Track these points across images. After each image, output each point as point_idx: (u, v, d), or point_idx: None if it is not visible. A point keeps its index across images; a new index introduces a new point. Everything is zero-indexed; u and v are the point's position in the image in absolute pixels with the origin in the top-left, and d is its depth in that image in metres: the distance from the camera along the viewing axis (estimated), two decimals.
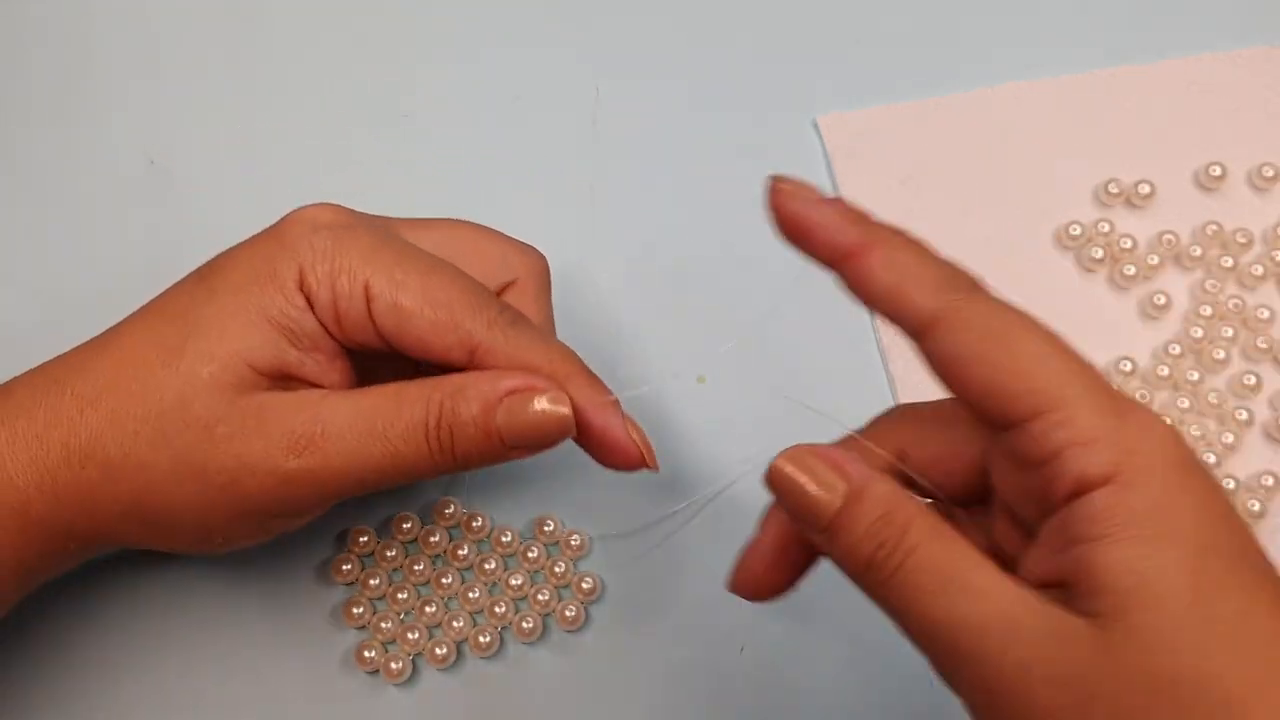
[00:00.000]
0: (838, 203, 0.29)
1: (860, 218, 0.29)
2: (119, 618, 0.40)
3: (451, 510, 0.41)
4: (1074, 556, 0.25)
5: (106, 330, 0.34)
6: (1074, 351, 0.27)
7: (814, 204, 0.29)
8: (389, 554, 0.40)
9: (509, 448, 0.31)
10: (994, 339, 0.27)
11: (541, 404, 0.31)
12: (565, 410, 0.31)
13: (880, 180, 0.47)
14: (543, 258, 0.36)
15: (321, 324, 0.32)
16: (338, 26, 0.50)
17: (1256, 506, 0.41)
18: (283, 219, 0.34)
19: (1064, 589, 0.25)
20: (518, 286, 0.35)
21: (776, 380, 0.44)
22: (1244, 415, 0.43)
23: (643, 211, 0.46)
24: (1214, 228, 0.46)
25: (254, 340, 0.31)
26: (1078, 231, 0.45)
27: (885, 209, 0.46)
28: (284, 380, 0.32)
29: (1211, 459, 0.42)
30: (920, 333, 0.27)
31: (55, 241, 0.46)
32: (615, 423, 0.32)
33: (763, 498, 0.30)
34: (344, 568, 0.40)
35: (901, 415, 0.31)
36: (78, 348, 0.34)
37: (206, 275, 0.33)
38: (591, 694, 0.39)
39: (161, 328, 0.32)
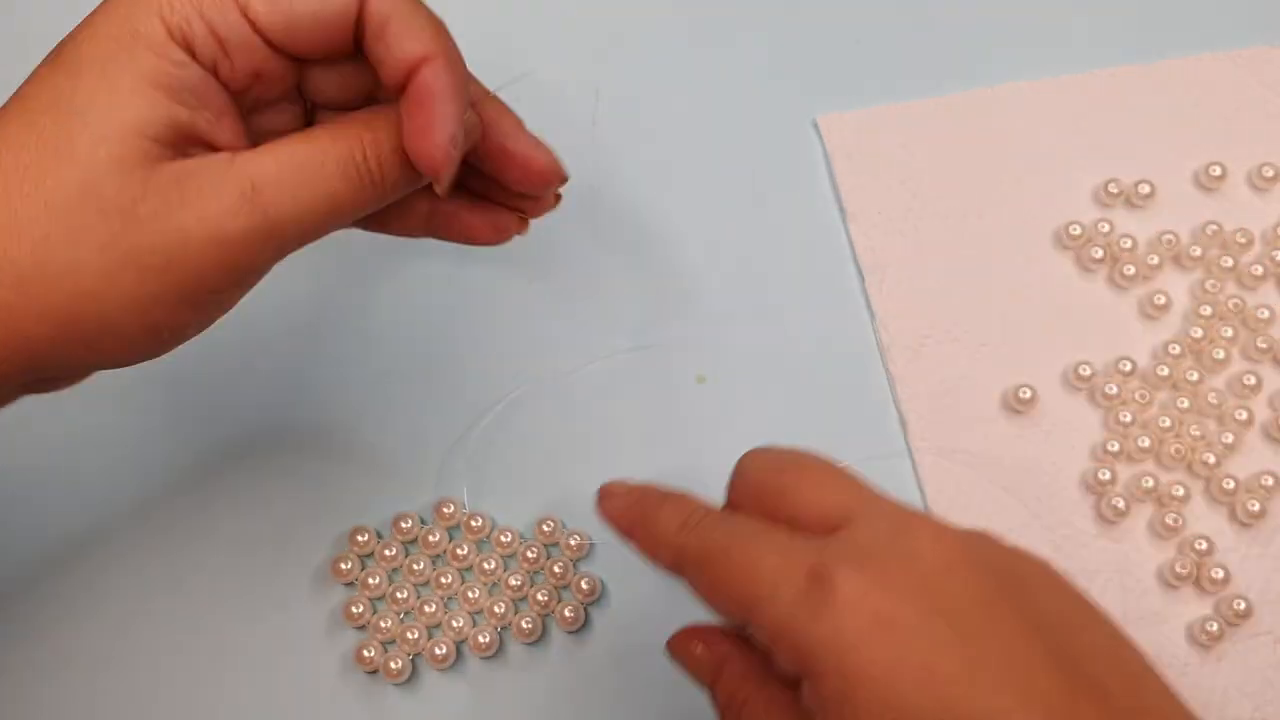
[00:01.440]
0: (616, 495, 0.33)
1: (624, 508, 0.33)
2: (113, 617, 0.40)
3: (451, 510, 0.41)
4: None
5: None
6: (773, 544, 0.29)
7: (604, 510, 0.33)
8: (388, 553, 0.40)
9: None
10: (714, 566, 0.29)
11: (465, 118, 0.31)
12: (474, 119, 0.32)
13: (880, 180, 0.47)
14: None
15: (207, 68, 0.29)
16: None
17: (1256, 506, 0.41)
18: None
19: None
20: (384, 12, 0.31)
21: (776, 380, 0.44)
22: (1244, 415, 0.43)
23: (642, 212, 0.46)
24: (1214, 228, 0.46)
25: (142, 109, 0.28)
26: (1078, 231, 0.46)
27: (885, 209, 0.46)
28: (181, 148, 0.29)
29: (1211, 459, 0.42)
30: (677, 576, 0.31)
31: None
32: (507, 120, 0.33)
33: None
34: (343, 566, 0.40)
35: None
36: None
37: (59, 60, 0.29)
38: (591, 695, 0.39)
39: (36, 120, 0.28)
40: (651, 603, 0.40)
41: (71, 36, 0.29)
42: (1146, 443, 0.42)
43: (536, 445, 0.43)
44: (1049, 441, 0.43)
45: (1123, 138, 0.48)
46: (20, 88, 0.30)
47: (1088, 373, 0.43)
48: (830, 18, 0.50)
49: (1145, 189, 0.46)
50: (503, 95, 0.35)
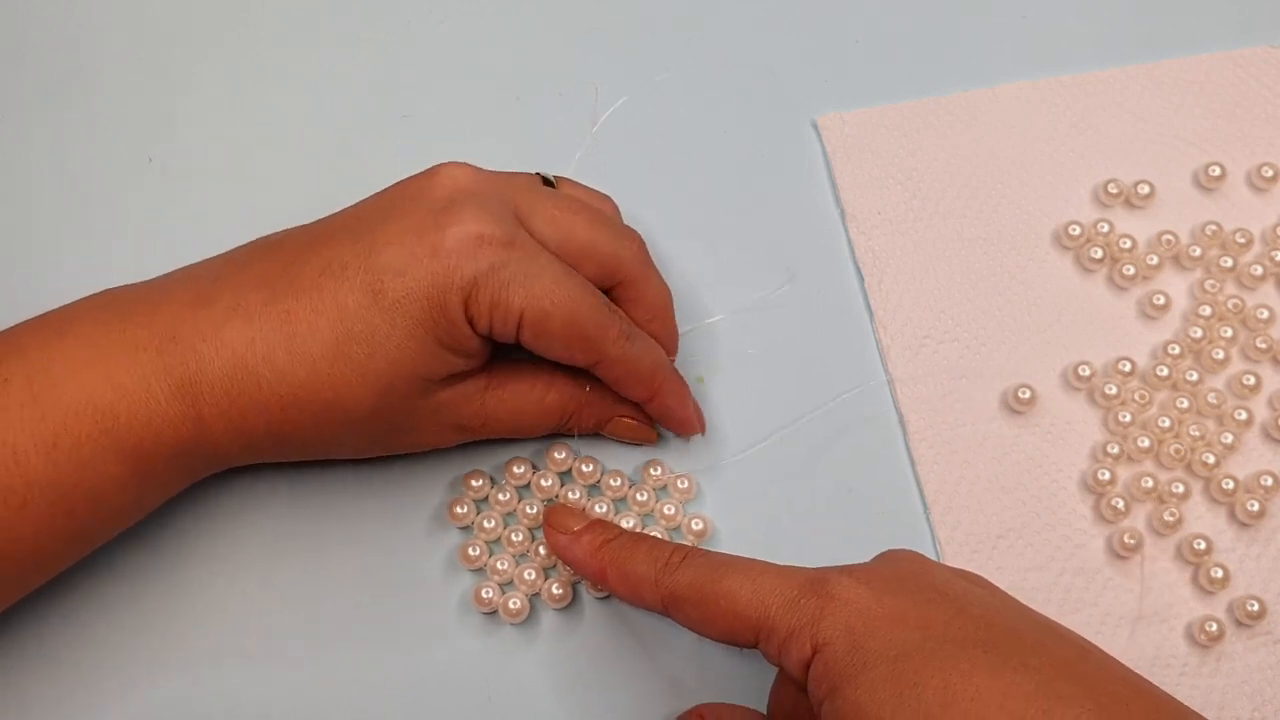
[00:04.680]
0: (579, 537, 0.38)
1: (592, 540, 0.38)
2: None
3: (563, 455, 0.42)
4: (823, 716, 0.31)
5: (270, 298, 0.36)
6: (767, 568, 0.33)
7: (564, 544, 0.38)
8: (502, 497, 0.41)
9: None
10: (707, 598, 0.34)
11: (635, 425, 0.42)
12: (652, 431, 0.42)
13: (879, 180, 0.47)
14: (639, 239, 0.41)
15: (480, 334, 0.38)
16: (338, 26, 0.50)
17: (1255, 506, 0.41)
18: (431, 211, 0.37)
19: None
20: (630, 280, 0.40)
21: (776, 381, 0.44)
22: (1243, 415, 0.43)
23: (643, 212, 0.46)
24: (1213, 228, 0.46)
25: (432, 363, 0.37)
26: (1077, 231, 0.46)
27: (884, 209, 0.46)
28: (449, 382, 0.38)
29: (1211, 459, 0.42)
30: (665, 614, 0.35)
31: (54, 240, 0.46)
32: (690, 414, 0.42)
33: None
34: (458, 510, 0.41)
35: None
36: (240, 306, 0.36)
37: (380, 294, 0.36)
38: None
39: (350, 347, 0.36)
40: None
41: (390, 270, 0.36)
42: (1146, 443, 0.42)
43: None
44: (1048, 441, 0.43)
45: (1122, 138, 0.48)
46: (333, 284, 0.36)
47: (1087, 373, 0.43)
48: (830, 18, 0.50)
49: (1145, 189, 0.46)
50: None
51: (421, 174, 0.39)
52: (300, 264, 0.37)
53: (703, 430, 0.42)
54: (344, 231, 0.38)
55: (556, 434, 0.42)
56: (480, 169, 0.39)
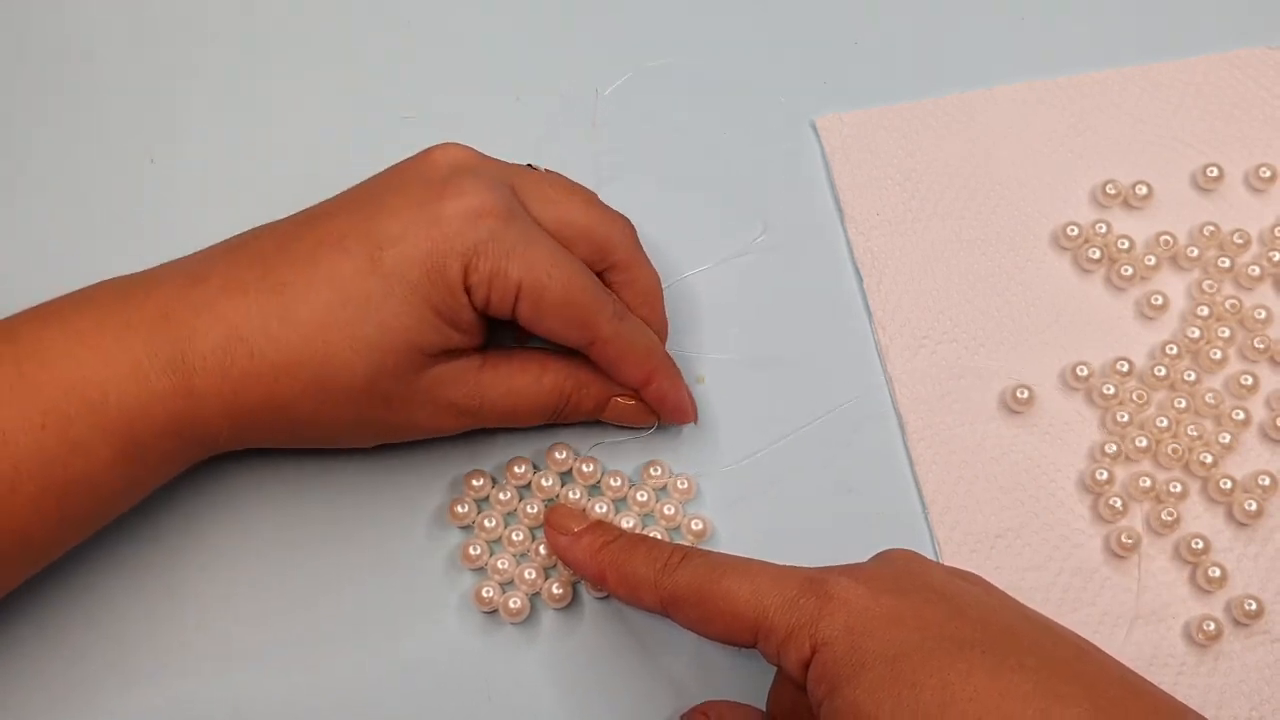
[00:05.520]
0: (579, 538, 0.38)
1: (591, 542, 0.38)
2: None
3: (563, 455, 0.42)
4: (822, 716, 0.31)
5: (264, 271, 0.36)
6: (766, 568, 0.34)
7: (564, 546, 0.39)
8: (503, 497, 0.41)
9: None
10: (706, 598, 0.34)
11: (633, 405, 0.41)
12: (652, 416, 0.42)
13: (878, 181, 0.47)
14: (630, 224, 0.42)
15: (476, 309, 0.38)
16: (338, 27, 0.50)
17: (1253, 506, 0.41)
18: (431, 185, 0.37)
19: None
20: (622, 264, 0.40)
21: (775, 381, 0.44)
22: (1241, 415, 0.43)
23: (642, 212, 0.46)
24: (1211, 228, 0.46)
25: (427, 333, 0.37)
26: (1075, 232, 0.46)
27: (883, 210, 0.47)
28: (442, 356, 0.38)
29: (1209, 459, 0.42)
30: (664, 615, 0.35)
31: (55, 240, 0.46)
32: (684, 400, 0.42)
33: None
34: (459, 509, 0.41)
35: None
36: (234, 280, 0.36)
37: (377, 260, 0.36)
38: None
39: (344, 312, 0.36)
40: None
41: (390, 238, 0.36)
42: (1144, 443, 0.43)
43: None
44: (1047, 441, 0.43)
45: (1120, 139, 0.48)
46: (331, 250, 0.36)
47: (1085, 373, 0.44)
48: (829, 18, 0.50)
49: (1143, 190, 0.46)
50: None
51: (419, 154, 0.39)
52: (296, 239, 0.37)
53: (695, 419, 0.42)
54: (341, 208, 0.38)
55: (555, 425, 0.42)
56: (476, 150, 0.39)
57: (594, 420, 0.42)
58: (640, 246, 0.42)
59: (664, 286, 0.45)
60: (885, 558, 0.35)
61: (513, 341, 0.41)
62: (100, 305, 0.36)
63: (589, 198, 0.41)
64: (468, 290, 0.37)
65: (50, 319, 0.36)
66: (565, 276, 0.37)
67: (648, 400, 0.41)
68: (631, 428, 0.42)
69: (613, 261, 0.40)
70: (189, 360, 0.35)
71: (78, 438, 0.35)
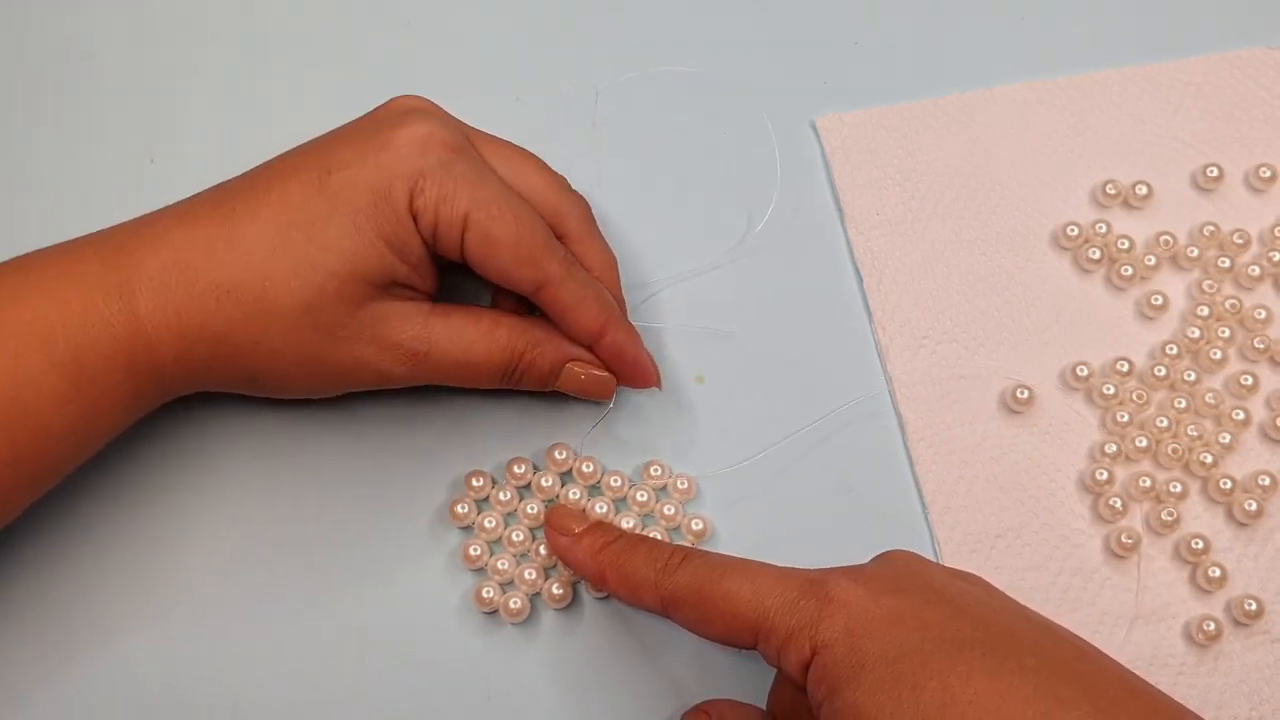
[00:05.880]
0: (579, 539, 0.38)
1: (592, 542, 0.38)
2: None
3: (563, 455, 0.42)
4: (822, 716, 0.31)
5: (217, 203, 0.37)
6: (766, 569, 0.34)
7: (564, 546, 0.38)
8: (503, 497, 0.41)
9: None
10: (706, 599, 0.34)
11: (591, 372, 0.40)
12: (609, 381, 0.40)
13: (878, 181, 0.47)
14: (586, 203, 0.41)
15: (424, 239, 0.37)
16: (338, 26, 0.50)
17: (1253, 506, 0.41)
18: (385, 121, 0.37)
19: None
20: (575, 235, 0.40)
21: (775, 381, 0.44)
22: (1240, 415, 0.43)
23: (642, 211, 0.46)
24: (1211, 229, 0.46)
25: (372, 260, 0.36)
26: (1075, 232, 0.46)
27: (883, 210, 0.47)
28: (388, 288, 0.37)
29: (1209, 459, 0.42)
30: (664, 615, 0.35)
31: (55, 240, 0.46)
32: (643, 357, 0.40)
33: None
34: (459, 510, 0.41)
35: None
36: (188, 213, 0.37)
37: (325, 182, 0.36)
38: None
39: (289, 233, 0.36)
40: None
41: (340, 163, 0.36)
42: (1144, 443, 0.43)
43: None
44: (1046, 441, 0.43)
45: (1120, 139, 0.48)
46: (284, 177, 0.37)
47: (1085, 373, 0.44)
48: (829, 18, 0.50)
49: (1143, 190, 0.46)
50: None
51: (380, 104, 0.40)
52: (253, 176, 0.38)
53: (659, 384, 0.41)
54: (301, 148, 0.39)
55: (550, 425, 0.42)
56: (437, 104, 0.40)
57: (588, 421, 0.42)
58: (595, 225, 0.41)
59: (664, 286, 0.45)
60: (885, 559, 0.35)
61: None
62: (56, 250, 0.37)
63: (545, 167, 0.41)
64: (415, 217, 0.36)
65: (10, 267, 0.36)
66: (515, 212, 0.37)
67: (603, 357, 0.40)
68: (591, 402, 0.42)
69: (566, 231, 0.40)
70: (133, 284, 0.35)
71: (27, 374, 0.34)
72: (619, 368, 0.40)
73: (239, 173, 0.47)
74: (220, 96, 0.49)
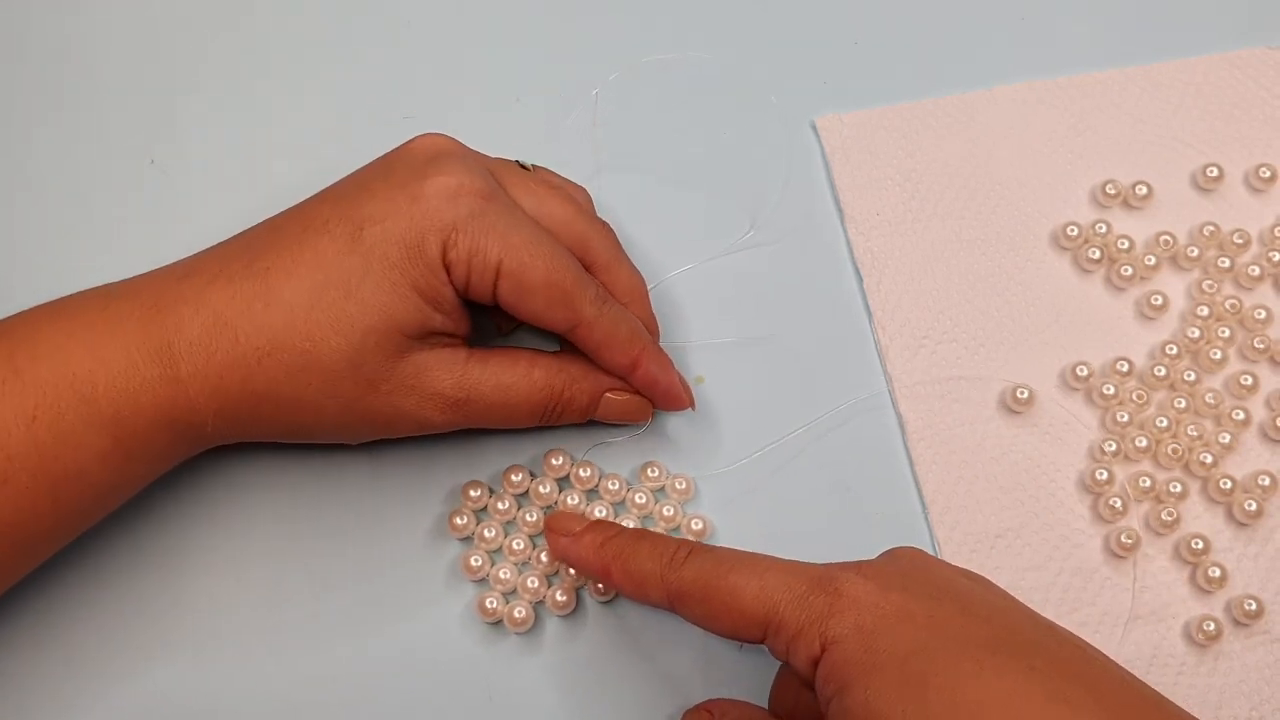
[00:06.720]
0: (580, 537, 0.38)
1: (594, 539, 0.37)
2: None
3: (560, 461, 0.42)
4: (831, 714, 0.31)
5: (251, 259, 0.37)
6: (774, 563, 0.33)
7: (566, 546, 0.38)
8: (501, 506, 0.41)
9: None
10: (714, 593, 0.33)
11: (627, 399, 0.41)
12: (646, 405, 0.41)
13: (878, 181, 0.47)
14: (610, 228, 0.42)
15: (457, 289, 0.38)
16: (339, 27, 0.50)
17: (1253, 506, 0.41)
18: (412, 168, 0.38)
19: None
20: (603, 264, 0.41)
21: (775, 381, 0.44)
22: (1240, 415, 0.43)
23: (642, 212, 0.46)
24: (1211, 229, 0.46)
25: (409, 313, 0.37)
26: (1075, 232, 0.46)
27: (883, 210, 0.47)
28: (425, 339, 0.38)
29: (1208, 459, 0.42)
30: (670, 609, 0.35)
31: (56, 241, 0.46)
32: (675, 384, 0.41)
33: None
34: (458, 521, 0.41)
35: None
36: (222, 272, 0.37)
37: (358, 238, 0.36)
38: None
39: (325, 291, 0.36)
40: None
41: (370, 219, 0.37)
42: (1144, 442, 0.43)
43: None
44: (1046, 441, 0.43)
45: (1120, 139, 0.48)
46: (315, 232, 0.37)
47: (1085, 373, 0.44)
48: (829, 19, 0.50)
49: (1143, 190, 0.46)
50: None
51: (402, 144, 0.40)
52: (282, 228, 0.38)
53: (693, 406, 0.42)
54: (328, 197, 0.39)
55: (549, 429, 0.42)
56: (459, 141, 0.40)
57: (588, 423, 0.42)
58: (621, 249, 0.42)
59: (664, 285, 0.45)
60: (892, 555, 0.34)
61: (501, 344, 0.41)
62: (94, 303, 0.37)
63: (568, 198, 0.41)
64: (447, 268, 0.37)
65: (43, 317, 0.37)
66: (547, 256, 0.37)
67: (638, 386, 0.41)
68: (628, 425, 0.42)
69: (593, 260, 0.40)
70: (175, 347, 0.36)
71: (69, 430, 0.35)
72: (652, 395, 0.41)
73: (239, 173, 0.47)
74: (220, 96, 0.49)
